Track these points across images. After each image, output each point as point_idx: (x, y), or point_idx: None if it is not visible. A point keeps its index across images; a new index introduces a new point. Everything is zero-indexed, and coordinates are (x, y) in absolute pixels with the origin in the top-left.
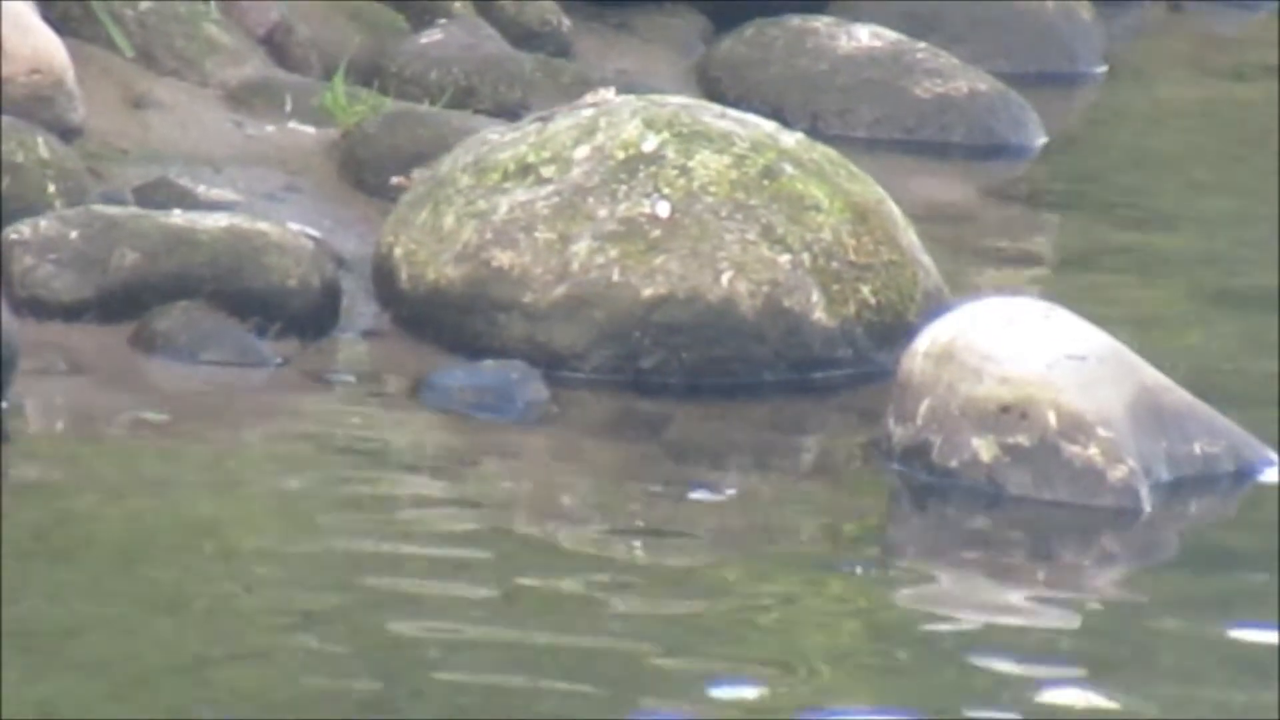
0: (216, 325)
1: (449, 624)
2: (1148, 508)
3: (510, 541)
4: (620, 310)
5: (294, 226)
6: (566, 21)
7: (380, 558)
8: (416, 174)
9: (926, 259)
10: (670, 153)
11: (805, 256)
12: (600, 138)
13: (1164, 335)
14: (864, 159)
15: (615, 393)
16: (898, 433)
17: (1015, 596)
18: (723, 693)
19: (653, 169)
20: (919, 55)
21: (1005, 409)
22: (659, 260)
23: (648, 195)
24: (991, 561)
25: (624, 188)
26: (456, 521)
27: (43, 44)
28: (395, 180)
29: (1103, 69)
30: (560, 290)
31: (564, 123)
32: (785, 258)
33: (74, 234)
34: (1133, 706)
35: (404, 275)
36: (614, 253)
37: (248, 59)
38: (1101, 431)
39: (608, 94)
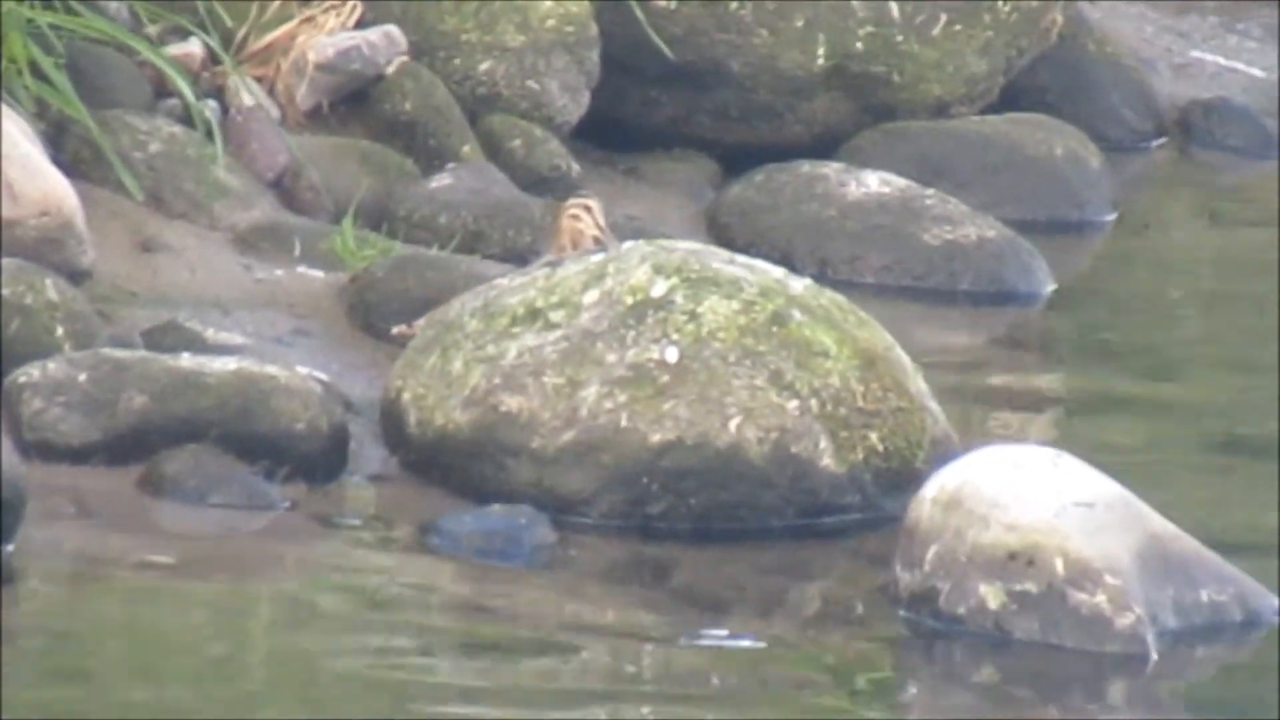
0: (224, 468)
1: None
2: (1155, 655)
3: (517, 688)
4: (628, 456)
5: (302, 370)
6: (576, 166)
7: (388, 705)
8: (420, 323)
9: (934, 406)
10: (679, 298)
11: (813, 403)
12: (609, 283)
13: (1172, 483)
14: (872, 305)
15: (623, 538)
16: (905, 579)
17: None
18: None
19: (661, 314)
20: (928, 202)
21: (1012, 556)
22: (667, 406)
23: (656, 341)
24: (999, 708)
25: (633, 333)
26: (463, 669)
27: (52, 186)
28: (397, 330)
29: (1111, 216)
30: (568, 435)
31: (573, 267)
32: (793, 404)
33: (82, 377)
34: None
35: (412, 419)
36: (622, 398)
37: (257, 202)
38: (1109, 579)
39: (589, 202)
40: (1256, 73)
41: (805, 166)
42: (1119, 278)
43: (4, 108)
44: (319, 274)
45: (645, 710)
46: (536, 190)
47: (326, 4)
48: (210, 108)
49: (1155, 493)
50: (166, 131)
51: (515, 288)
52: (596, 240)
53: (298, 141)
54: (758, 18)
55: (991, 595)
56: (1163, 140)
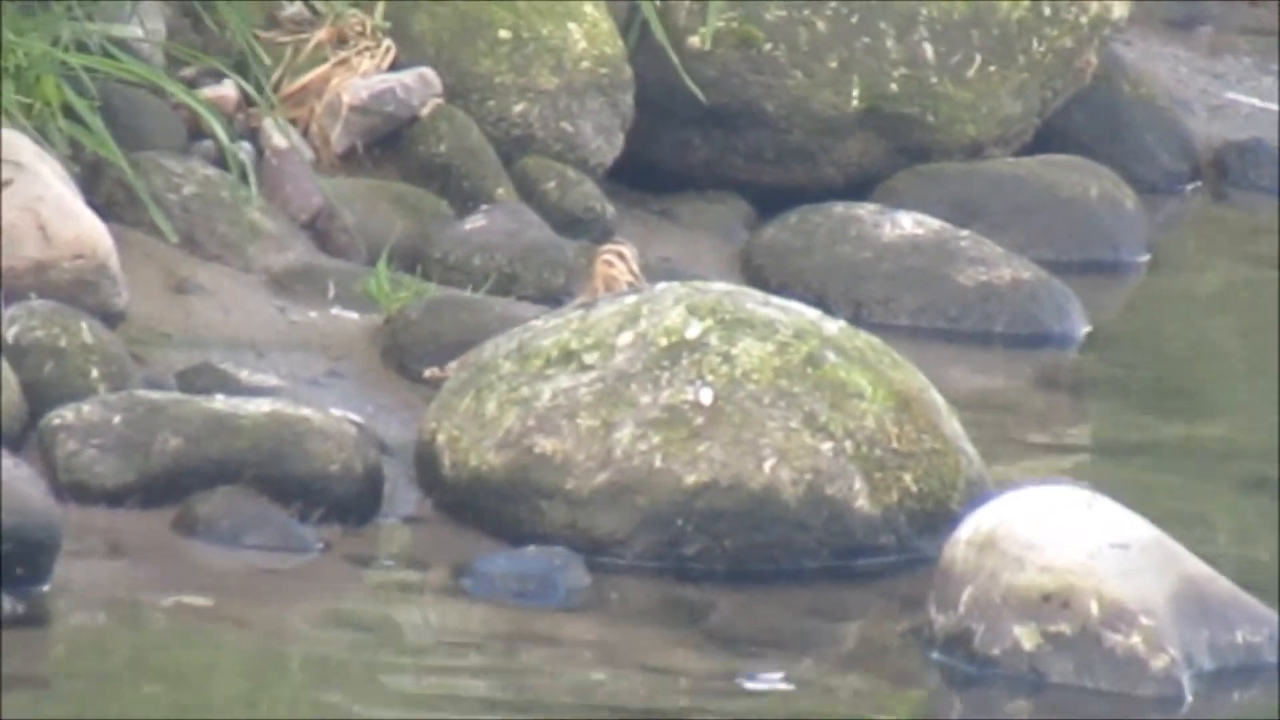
0: (258, 510)
1: None
2: (1190, 697)
3: None
4: (662, 497)
5: (337, 412)
6: (610, 208)
7: None
8: (452, 366)
9: (969, 447)
10: (713, 340)
11: (848, 444)
12: (643, 324)
13: (1207, 524)
14: (907, 347)
15: (657, 579)
16: (940, 620)
17: None
18: None
19: (696, 356)
20: (962, 243)
21: (1047, 597)
22: (702, 447)
23: (691, 382)
24: None
25: (667, 374)
26: (495, 711)
27: (86, 229)
28: (429, 373)
29: (1146, 257)
30: (603, 477)
31: (607, 309)
32: (828, 445)
33: (117, 419)
34: None
35: (447, 461)
36: (656, 439)
37: (291, 245)
38: (1144, 620)
39: (623, 249)
40: None
41: (839, 208)
42: (1154, 319)
43: (39, 150)
44: (353, 316)
45: None
46: (571, 232)
47: (361, 46)
48: (244, 150)
49: (1190, 534)
50: (201, 174)
51: (549, 329)
52: (630, 286)
53: (332, 183)
54: (792, 59)
55: (1026, 637)
56: (1197, 182)
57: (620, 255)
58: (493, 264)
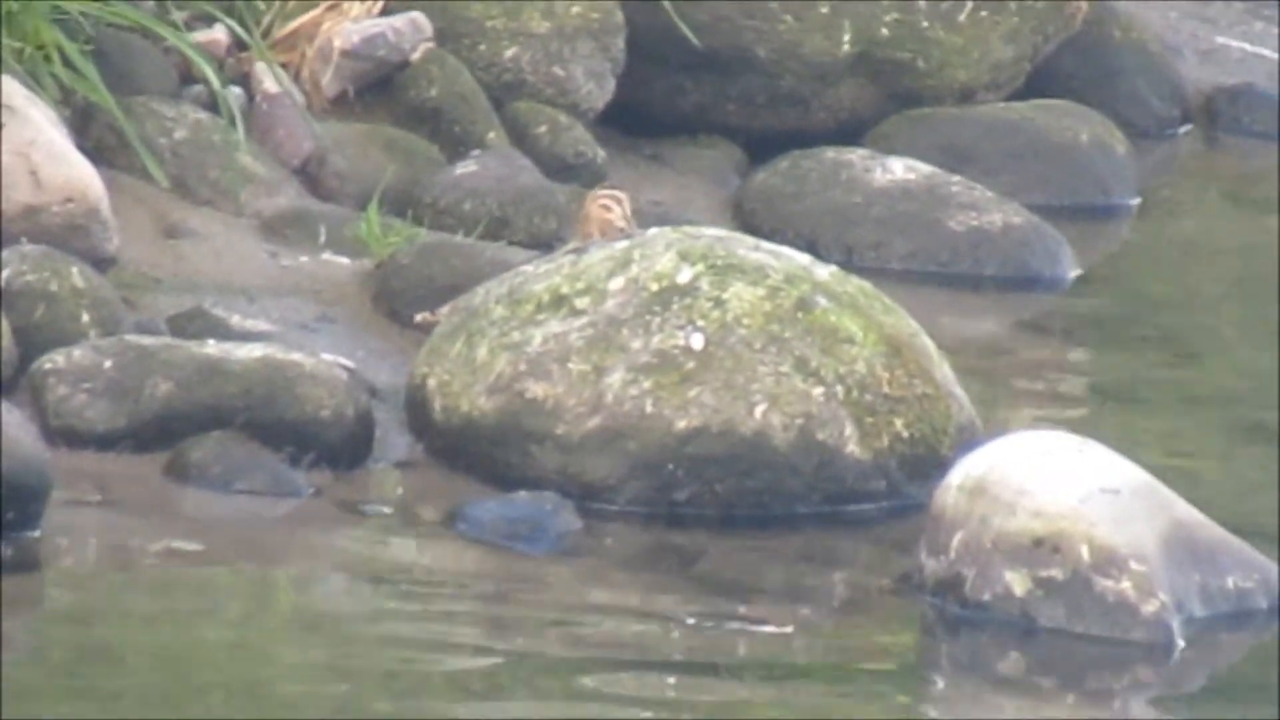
0: (250, 455)
1: None
2: (1180, 642)
3: (540, 673)
4: (653, 442)
5: (328, 357)
6: (601, 153)
7: (412, 692)
8: (444, 311)
9: (960, 392)
10: (705, 285)
11: (839, 389)
12: (635, 269)
13: (1198, 469)
14: (898, 292)
15: (648, 524)
16: (930, 566)
17: None
18: None
19: (687, 301)
20: (953, 188)
21: (1038, 542)
22: (692, 393)
23: (682, 327)
24: (1024, 695)
25: (658, 319)
26: (487, 656)
27: (77, 173)
28: (421, 317)
29: (1136, 202)
30: (594, 422)
31: (598, 254)
32: (819, 390)
33: (108, 364)
34: None
35: (437, 406)
36: (647, 384)
37: (282, 189)
38: (1134, 565)
39: (620, 194)
40: None
41: (831, 153)
42: (1144, 263)
43: (31, 95)
44: (344, 261)
45: (669, 693)
46: (562, 177)
47: None
48: (235, 95)
49: (1181, 479)
50: (192, 118)
51: (540, 274)
52: (624, 233)
53: (323, 128)
54: (783, 4)
55: (1017, 582)
56: (1188, 126)
57: (617, 200)
58: (484, 209)
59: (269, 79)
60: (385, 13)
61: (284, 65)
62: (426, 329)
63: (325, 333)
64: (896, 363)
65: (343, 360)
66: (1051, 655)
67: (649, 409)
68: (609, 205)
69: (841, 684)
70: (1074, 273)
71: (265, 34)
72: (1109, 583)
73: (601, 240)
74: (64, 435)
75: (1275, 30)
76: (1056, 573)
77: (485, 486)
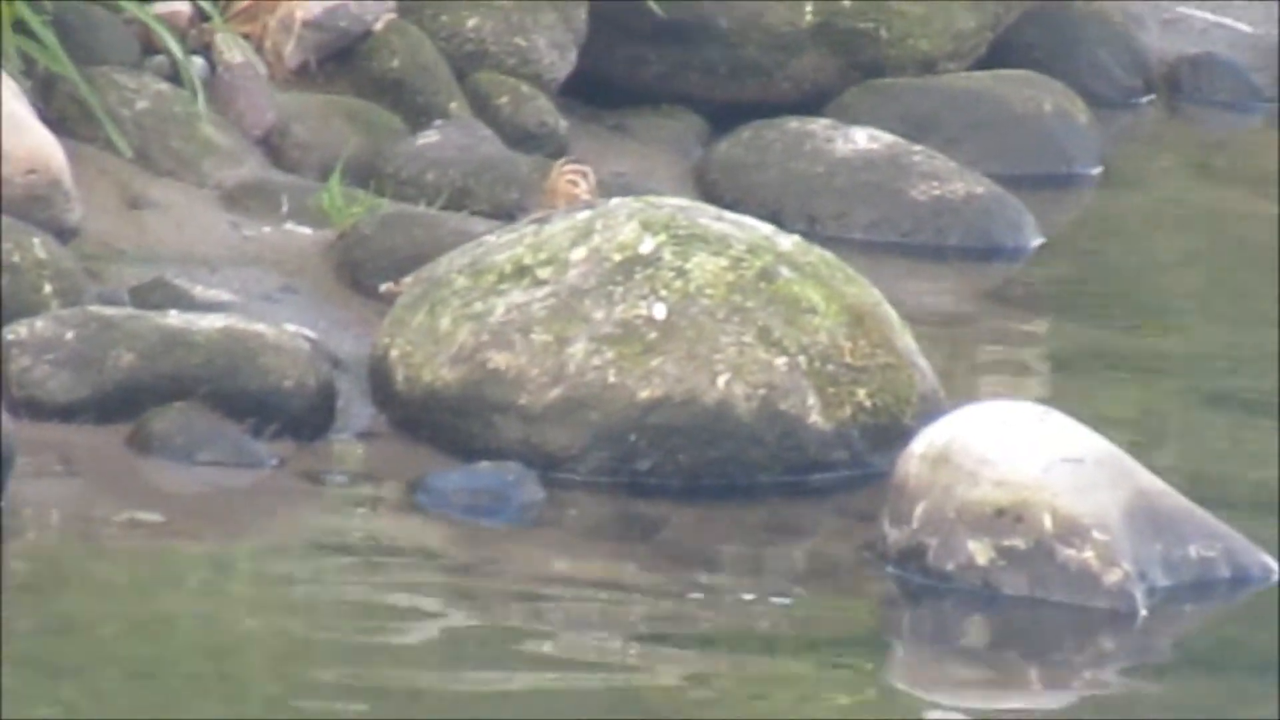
0: (212, 426)
1: None
2: (1143, 611)
3: (502, 643)
4: (616, 412)
5: (290, 328)
6: (564, 123)
7: (374, 662)
8: (407, 280)
9: (923, 362)
10: (667, 255)
11: (802, 359)
12: (597, 239)
13: (1160, 438)
14: (860, 261)
15: (611, 494)
16: (893, 535)
17: (1010, 699)
18: None
19: (649, 271)
20: (915, 158)
21: (1001, 512)
22: (655, 362)
23: (644, 297)
24: (987, 664)
25: (620, 290)
26: (450, 626)
27: (39, 144)
28: (385, 287)
29: (1098, 171)
30: (556, 392)
31: (560, 224)
32: (782, 360)
33: (70, 335)
34: None
35: (400, 377)
36: (610, 355)
37: (244, 160)
38: (1097, 535)
39: (586, 168)
40: (1244, 28)
41: (793, 123)
42: (1106, 233)
43: None
44: (306, 231)
45: (632, 663)
46: (524, 147)
47: None
48: (198, 65)
49: (1144, 448)
50: (154, 89)
51: (503, 244)
52: (587, 205)
53: (285, 99)
54: None
55: (980, 551)
56: (1151, 96)
57: (583, 174)
58: (446, 179)
59: (231, 50)
60: None
61: (246, 36)
62: (390, 299)
63: (287, 303)
64: (859, 332)
65: (305, 331)
66: (1015, 624)
67: (611, 379)
68: (575, 180)
69: (805, 654)
70: (1036, 242)
71: (227, 5)
72: (1072, 552)
73: (562, 210)
74: (26, 406)
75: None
76: (1019, 542)
77: (448, 457)
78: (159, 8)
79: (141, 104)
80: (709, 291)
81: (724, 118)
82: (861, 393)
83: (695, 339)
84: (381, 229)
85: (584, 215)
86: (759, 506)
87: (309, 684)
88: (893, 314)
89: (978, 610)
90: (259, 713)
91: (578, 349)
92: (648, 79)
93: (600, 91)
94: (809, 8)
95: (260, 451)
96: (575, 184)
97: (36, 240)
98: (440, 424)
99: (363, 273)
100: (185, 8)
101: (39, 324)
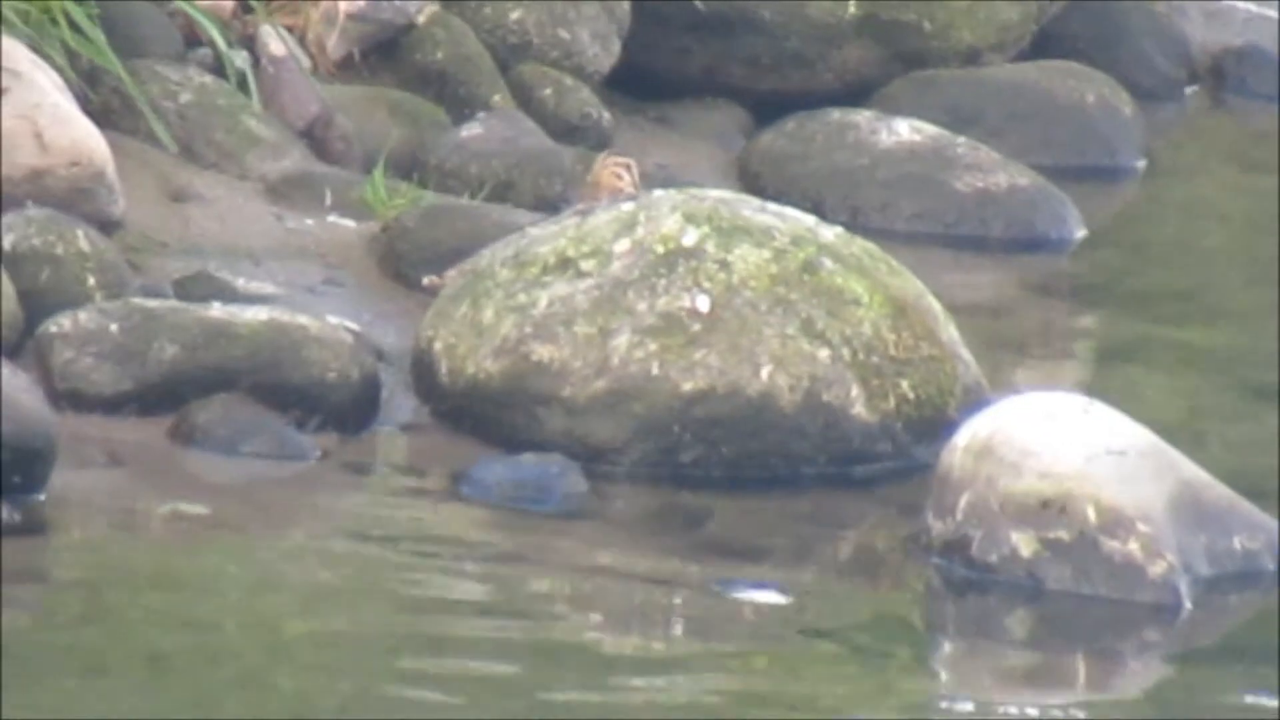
0: (256, 418)
1: None
2: (1187, 603)
3: (548, 635)
4: (660, 404)
5: (333, 320)
6: (606, 115)
7: (419, 654)
8: (450, 273)
9: (966, 353)
10: (710, 247)
11: (845, 351)
12: (640, 231)
13: (1204, 430)
14: (904, 253)
15: (654, 486)
16: (937, 527)
17: (1055, 691)
18: None
19: (693, 263)
20: (959, 149)
21: (1045, 504)
22: (699, 354)
23: (688, 289)
24: (1031, 656)
25: (664, 281)
26: (494, 617)
27: (83, 136)
28: (427, 280)
29: (1142, 163)
30: (600, 384)
31: (604, 216)
32: (825, 352)
33: (114, 327)
34: None
35: (443, 369)
36: (653, 346)
37: (288, 152)
38: (1141, 527)
39: (630, 161)
40: None
41: (836, 114)
42: (1150, 224)
43: (36, 58)
44: (350, 223)
45: (675, 654)
46: (567, 139)
47: None
48: (241, 57)
49: (1187, 440)
50: (198, 81)
51: (546, 236)
52: (631, 197)
53: (328, 91)
54: None
55: (1024, 543)
56: (1194, 87)
57: (628, 167)
58: (489, 171)
59: (274, 42)
60: None
61: (289, 28)
62: (432, 292)
63: (331, 295)
64: (902, 324)
65: (348, 323)
66: (1058, 616)
67: (655, 371)
68: (620, 173)
69: (848, 645)
70: (1080, 234)
71: None
72: (1116, 544)
73: (606, 202)
74: (69, 398)
75: None
76: (1063, 534)
77: (491, 449)
78: (203, 1)
79: (185, 96)
80: (752, 283)
81: (767, 109)
82: (905, 384)
83: (738, 331)
84: (424, 221)
85: (627, 207)
86: (802, 498)
87: (356, 675)
88: (936, 305)
89: (1021, 602)
90: (300, 707)
91: (621, 341)
92: (691, 71)
93: (643, 83)
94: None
95: (304, 443)
96: (619, 176)
97: (80, 232)
98: (483, 416)
99: (406, 265)
100: (229, 0)
101: (82, 316)
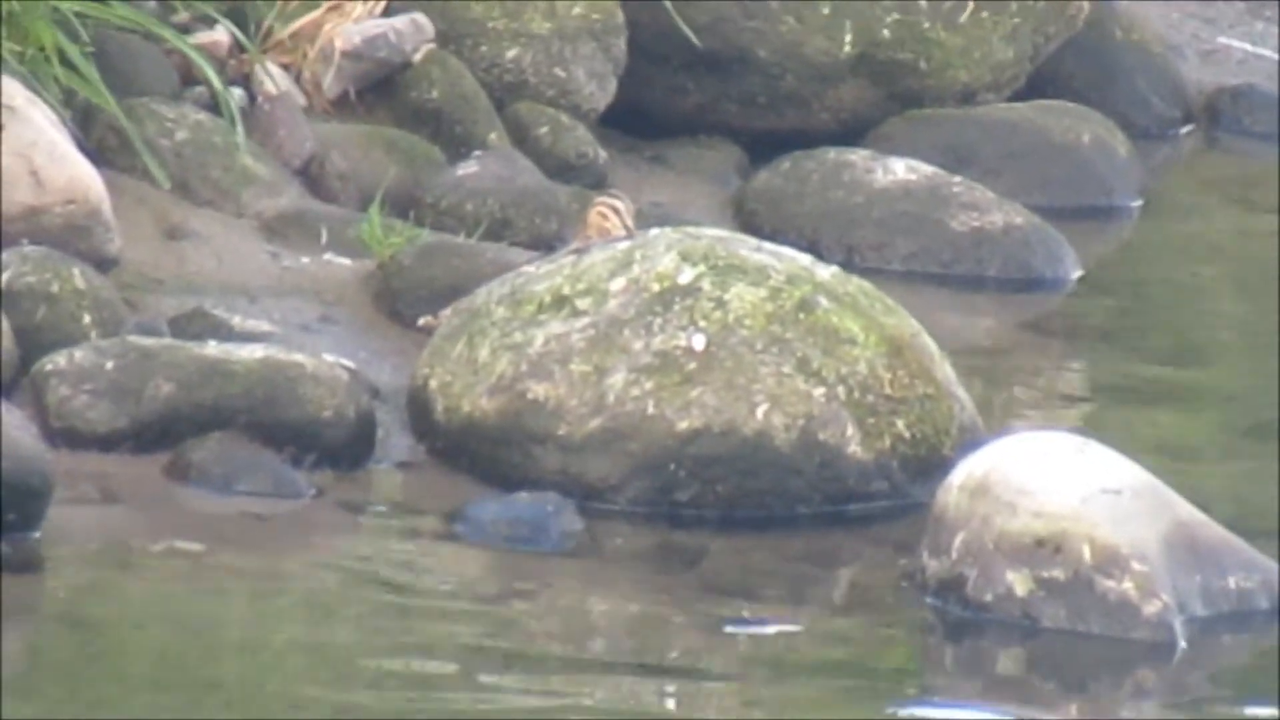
0: (251, 456)
1: None
2: (1182, 642)
3: (543, 675)
4: (655, 443)
5: (329, 358)
6: (603, 154)
7: (413, 693)
8: (446, 312)
9: (962, 393)
10: (706, 285)
11: (840, 390)
12: (636, 270)
13: (1199, 469)
14: (899, 292)
15: (650, 525)
16: (932, 566)
17: None
18: None
19: (688, 301)
20: (955, 189)
21: (1040, 543)
22: (694, 393)
23: (683, 328)
24: (1026, 696)
25: (659, 320)
26: (489, 656)
27: (79, 174)
28: (423, 321)
29: (1138, 203)
30: (595, 422)
31: (599, 255)
32: (820, 391)
33: (109, 364)
34: None
35: (439, 407)
36: (649, 385)
37: (283, 190)
38: (1136, 566)
39: (617, 203)
40: None
41: (832, 154)
42: (1146, 264)
43: (32, 96)
44: (346, 261)
45: (671, 694)
46: (563, 177)
47: None
48: (237, 95)
49: (1183, 479)
50: (193, 119)
51: (542, 275)
52: (624, 236)
53: (324, 129)
54: (784, 5)
55: (1019, 582)
56: (1190, 127)
57: (614, 209)
58: (485, 209)
59: (270, 80)
60: (387, 13)
61: (285, 66)
62: (428, 332)
63: (327, 333)
64: (898, 363)
65: (344, 361)
66: (1053, 656)
67: (650, 410)
68: (605, 214)
69: (843, 683)
70: (1076, 274)
71: (266, 35)
72: (1111, 583)
73: (601, 241)
74: (65, 436)
75: (1276, 30)
76: (1058, 573)
77: (487, 487)
78: (198, 38)
79: (180, 134)
80: (748, 322)
81: (762, 148)
82: (900, 423)
83: (734, 369)
84: (420, 259)
85: (623, 246)
86: (798, 537)
87: (348, 715)
88: (932, 345)
89: (1016, 641)
90: None
91: (617, 379)
92: (686, 109)
93: (639, 122)
94: (848, 38)
95: (299, 481)
96: (605, 216)
97: (76, 270)
98: (479, 454)
99: (402, 303)
100: (224, 38)
101: (78, 354)
